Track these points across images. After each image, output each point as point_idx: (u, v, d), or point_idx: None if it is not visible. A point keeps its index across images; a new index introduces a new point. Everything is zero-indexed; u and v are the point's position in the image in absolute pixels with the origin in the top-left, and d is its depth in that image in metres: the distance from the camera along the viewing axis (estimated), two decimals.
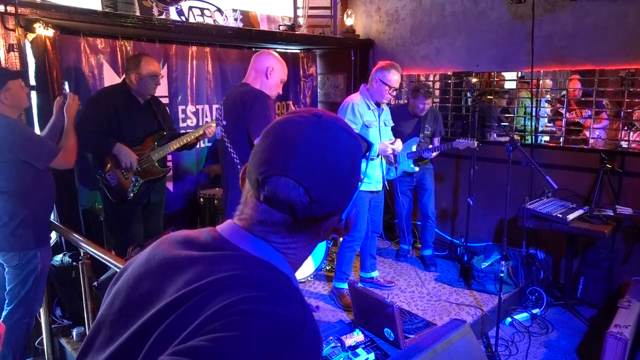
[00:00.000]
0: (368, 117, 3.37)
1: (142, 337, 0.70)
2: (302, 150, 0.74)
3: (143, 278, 0.79)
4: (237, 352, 0.61)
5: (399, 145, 3.40)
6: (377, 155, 3.40)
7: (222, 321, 0.64)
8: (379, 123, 3.44)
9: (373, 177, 3.43)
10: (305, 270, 3.87)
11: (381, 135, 3.46)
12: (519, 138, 4.22)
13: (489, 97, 4.52)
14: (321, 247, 3.91)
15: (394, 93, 3.38)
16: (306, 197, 0.73)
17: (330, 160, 0.75)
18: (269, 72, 2.63)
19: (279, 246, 0.79)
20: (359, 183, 0.82)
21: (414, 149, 4.07)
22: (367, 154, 0.85)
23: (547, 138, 4.20)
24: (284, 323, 0.66)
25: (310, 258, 3.88)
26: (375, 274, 3.88)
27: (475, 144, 3.83)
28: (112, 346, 0.74)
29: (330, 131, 0.77)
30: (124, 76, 3.26)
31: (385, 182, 3.56)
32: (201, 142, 4.39)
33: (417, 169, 4.11)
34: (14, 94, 2.54)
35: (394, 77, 3.29)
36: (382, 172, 3.49)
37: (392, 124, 3.63)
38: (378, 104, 3.42)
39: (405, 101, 4.54)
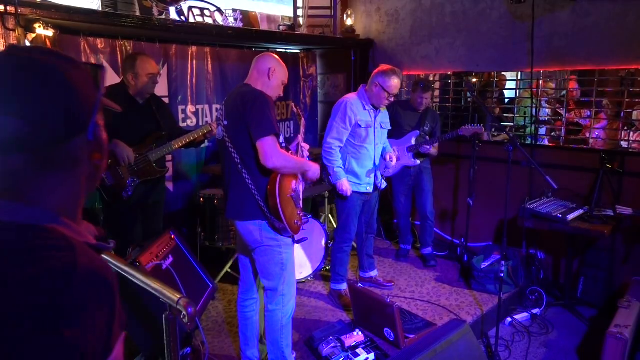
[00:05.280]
0: (362, 116, 3.36)
1: None
2: None
3: None
4: None
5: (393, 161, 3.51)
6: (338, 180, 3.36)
7: None
8: (375, 124, 3.43)
9: (362, 178, 3.42)
10: (305, 271, 3.88)
11: (376, 136, 3.44)
12: (519, 138, 4.22)
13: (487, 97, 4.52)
14: (321, 248, 3.92)
15: (392, 99, 3.38)
16: (20, 123, 0.67)
17: (28, 77, 0.70)
18: (270, 72, 2.64)
19: (30, 197, 0.71)
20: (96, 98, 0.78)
21: (413, 142, 4.10)
22: (99, 77, 0.79)
23: (547, 138, 4.20)
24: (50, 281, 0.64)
25: (310, 258, 3.88)
26: (374, 273, 3.88)
27: (483, 129, 3.87)
28: None
29: (12, 57, 0.72)
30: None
31: (378, 184, 3.52)
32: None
33: (418, 161, 4.12)
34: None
35: (394, 83, 3.27)
36: (375, 175, 3.46)
37: (390, 127, 3.63)
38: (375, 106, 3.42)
39: (408, 97, 4.59)
